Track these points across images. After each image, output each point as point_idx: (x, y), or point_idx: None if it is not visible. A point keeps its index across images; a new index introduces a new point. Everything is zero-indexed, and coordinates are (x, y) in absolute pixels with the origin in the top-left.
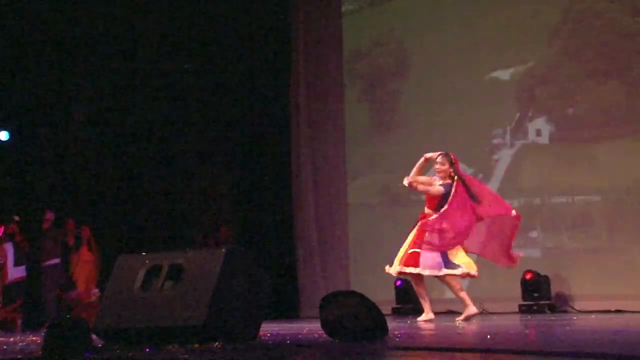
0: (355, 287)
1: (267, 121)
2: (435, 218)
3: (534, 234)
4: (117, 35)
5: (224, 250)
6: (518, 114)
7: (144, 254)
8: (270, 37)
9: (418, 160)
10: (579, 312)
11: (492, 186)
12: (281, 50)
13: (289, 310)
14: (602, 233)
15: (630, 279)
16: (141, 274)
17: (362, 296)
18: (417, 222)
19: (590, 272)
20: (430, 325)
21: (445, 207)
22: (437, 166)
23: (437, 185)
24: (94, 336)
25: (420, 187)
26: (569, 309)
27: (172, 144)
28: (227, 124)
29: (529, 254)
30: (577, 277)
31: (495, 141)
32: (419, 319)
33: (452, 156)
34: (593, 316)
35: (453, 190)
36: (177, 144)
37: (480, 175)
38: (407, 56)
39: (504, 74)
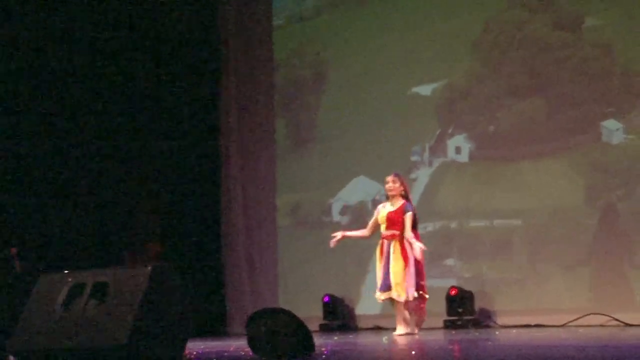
0: (283, 303)
1: (195, 135)
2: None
3: (450, 262)
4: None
5: (149, 268)
6: (438, 131)
7: (66, 272)
8: (199, 50)
9: (335, 178)
10: (502, 327)
11: None
12: (210, 64)
13: (216, 327)
14: (522, 262)
15: (550, 295)
16: (63, 292)
17: (289, 313)
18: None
19: (511, 291)
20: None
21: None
22: (388, 185)
23: (407, 214)
24: (10, 357)
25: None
26: (492, 324)
27: (97, 159)
28: (154, 138)
29: (446, 284)
30: (500, 294)
31: (413, 159)
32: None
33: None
34: (514, 331)
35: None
36: (103, 158)
37: None
38: (325, 69)
39: (425, 89)
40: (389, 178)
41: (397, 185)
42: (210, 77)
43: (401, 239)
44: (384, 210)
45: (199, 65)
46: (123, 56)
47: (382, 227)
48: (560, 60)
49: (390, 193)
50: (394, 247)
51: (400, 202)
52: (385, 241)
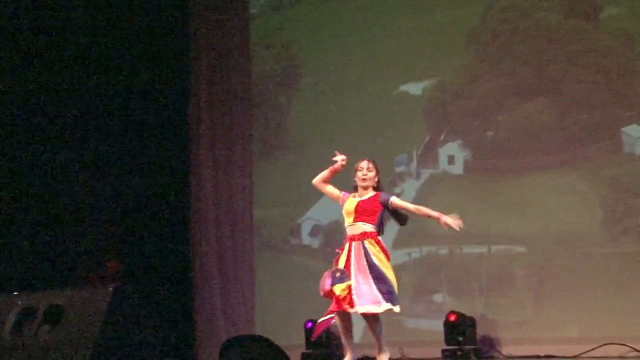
0: (261, 329)
1: (161, 140)
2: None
3: (438, 299)
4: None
5: (111, 288)
6: (428, 137)
7: (16, 293)
8: (168, 47)
9: (306, 193)
10: (507, 357)
11: (391, 227)
12: (179, 62)
13: (184, 354)
14: (525, 299)
15: (560, 322)
16: (12, 316)
17: (267, 341)
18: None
19: (516, 319)
20: None
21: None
22: (362, 173)
23: (392, 197)
24: None
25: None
26: (496, 354)
27: (53, 170)
28: (119, 150)
29: (432, 326)
30: (504, 320)
31: (398, 170)
32: None
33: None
34: None
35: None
36: (59, 169)
37: None
38: (299, 65)
39: (414, 88)
40: (364, 164)
41: (373, 173)
42: (180, 78)
43: (376, 237)
44: (352, 200)
45: (166, 65)
46: (89, 70)
47: (347, 222)
48: (573, 54)
49: (363, 184)
50: (371, 247)
51: (371, 193)
52: (354, 243)
